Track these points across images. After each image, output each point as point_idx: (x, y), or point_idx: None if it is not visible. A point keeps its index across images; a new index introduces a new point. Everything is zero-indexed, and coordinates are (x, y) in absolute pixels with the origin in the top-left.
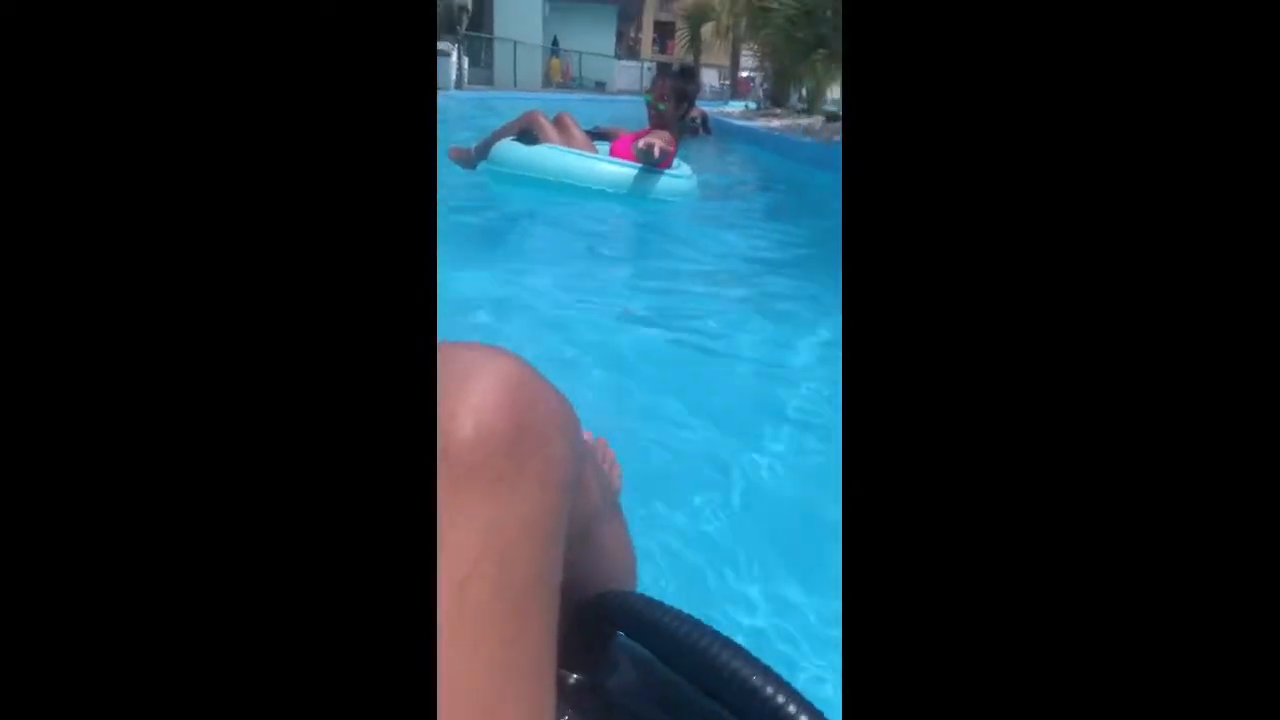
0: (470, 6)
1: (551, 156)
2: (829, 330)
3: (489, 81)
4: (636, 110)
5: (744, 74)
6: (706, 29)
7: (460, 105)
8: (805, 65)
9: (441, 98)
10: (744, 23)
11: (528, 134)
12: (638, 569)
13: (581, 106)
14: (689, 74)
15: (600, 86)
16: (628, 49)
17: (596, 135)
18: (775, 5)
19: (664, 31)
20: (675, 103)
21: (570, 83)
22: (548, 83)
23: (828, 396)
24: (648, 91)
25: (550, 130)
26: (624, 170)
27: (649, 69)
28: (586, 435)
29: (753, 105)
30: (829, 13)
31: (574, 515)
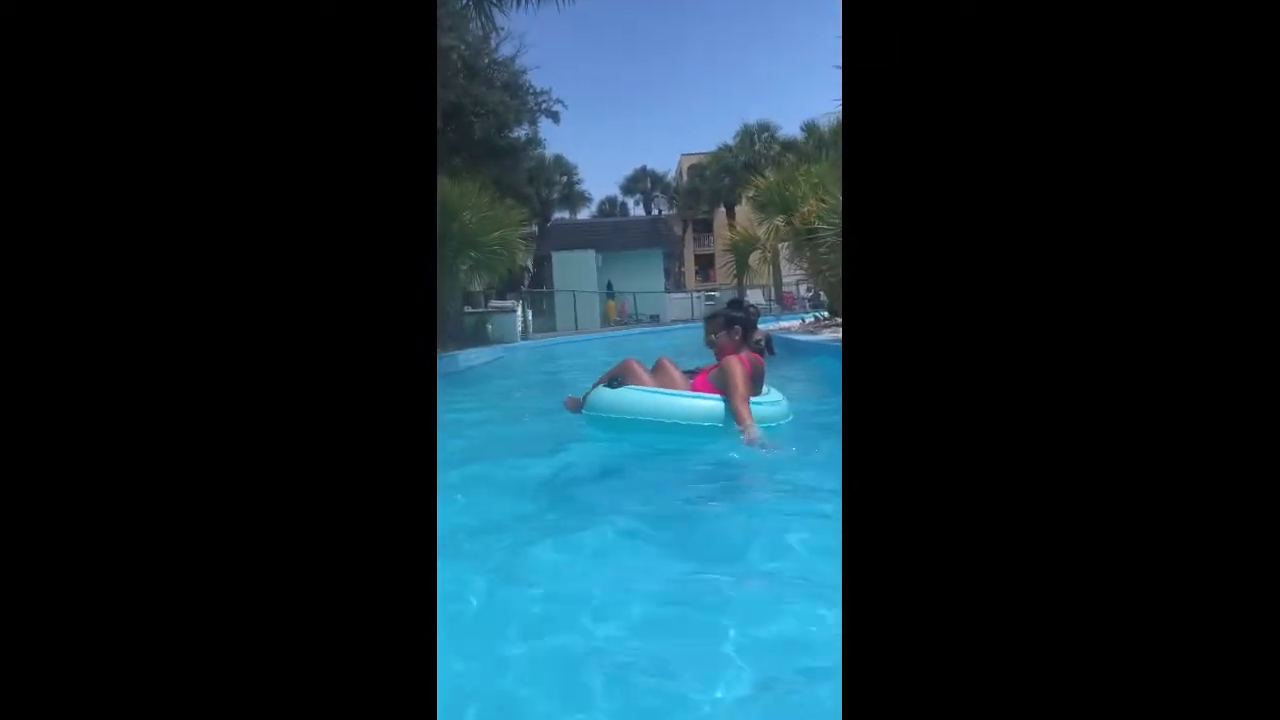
0: (531, 267)
1: (637, 397)
2: None
3: (552, 328)
4: (692, 335)
5: (786, 289)
6: (754, 257)
7: (526, 354)
8: None
9: (508, 349)
10: (788, 245)
11: (617, 379)
12: None
13: (640, 339)
14: (735, 304)
15: (654, 319)
16: (675, 283)
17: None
18: (823, 227)
19: (704, 263)
20: (727, 330)
21: (627, 319)
22: (605, 322)
23: None
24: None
25: (643, 375)
26: (711, 403)
27: (698, 298)
28: None
29: (809, 318)
30: None
31: None
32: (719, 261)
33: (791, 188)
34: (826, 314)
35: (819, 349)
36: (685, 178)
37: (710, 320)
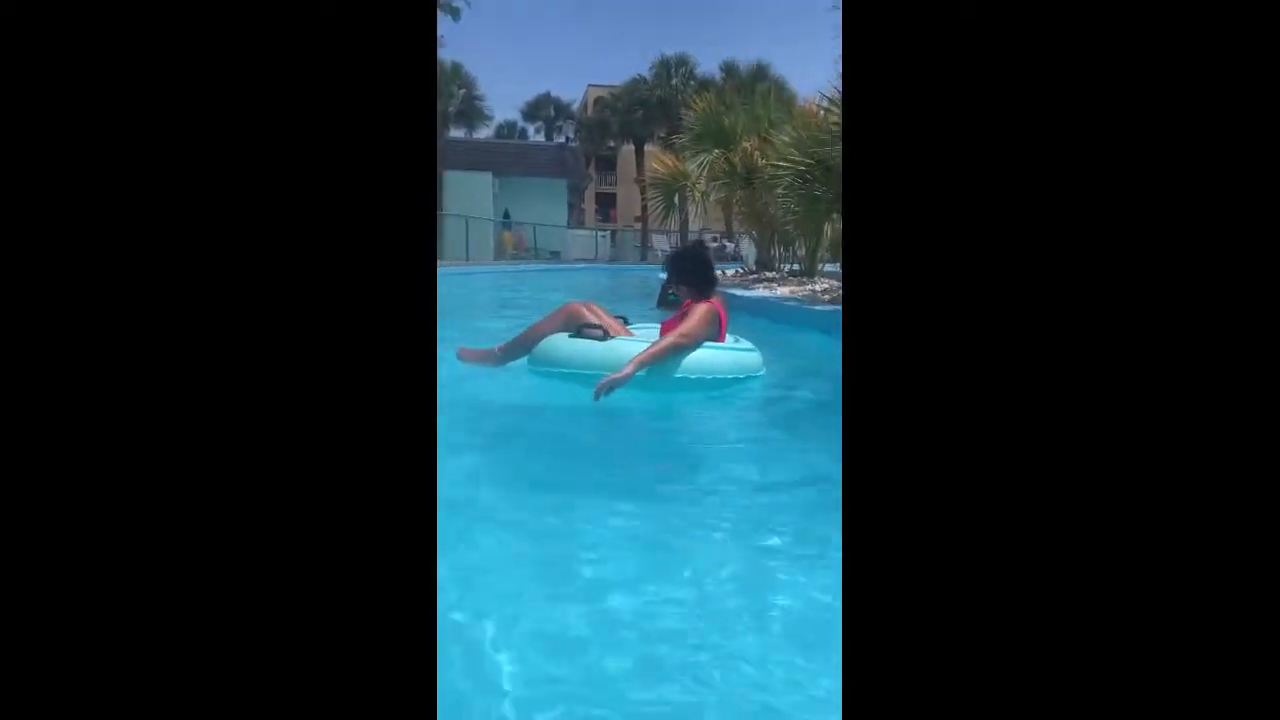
0: None
1: (621, 349)
2: None
3: (440, 256)
4: (594, 277)
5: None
6: (679, 196)
7: None
8: (813, 226)
9: None
10: (721, 186)
11: (583, 328)
12: None
13: (539, 276)
14: (698, 248)
15: (555, 255)
16: (579, 219)
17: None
18: (781, 163)
19: (604, 202)
20: (682, 283)
21: (524, 253)
22: (500, 254)
23: None
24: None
25: (608, 321)
26: (700, 354)
27: (602, 237)
28: None
29: (729, 269)
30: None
31: None
32: (621, 200)
33: (731, 116)
34: (744, 267)
35: (760, 307)
36: (591, 110)
37: (674, 261)
